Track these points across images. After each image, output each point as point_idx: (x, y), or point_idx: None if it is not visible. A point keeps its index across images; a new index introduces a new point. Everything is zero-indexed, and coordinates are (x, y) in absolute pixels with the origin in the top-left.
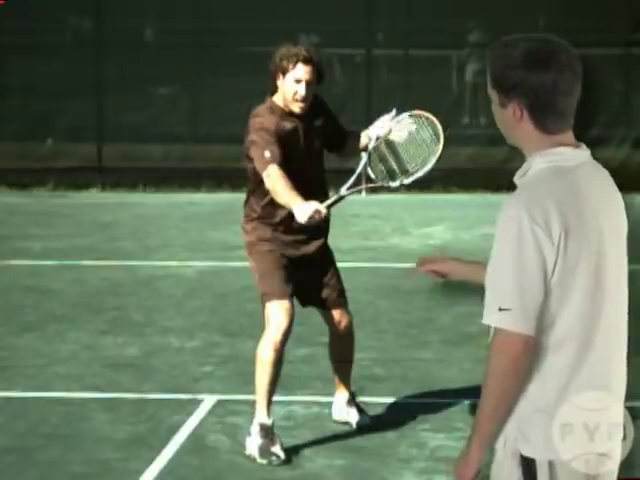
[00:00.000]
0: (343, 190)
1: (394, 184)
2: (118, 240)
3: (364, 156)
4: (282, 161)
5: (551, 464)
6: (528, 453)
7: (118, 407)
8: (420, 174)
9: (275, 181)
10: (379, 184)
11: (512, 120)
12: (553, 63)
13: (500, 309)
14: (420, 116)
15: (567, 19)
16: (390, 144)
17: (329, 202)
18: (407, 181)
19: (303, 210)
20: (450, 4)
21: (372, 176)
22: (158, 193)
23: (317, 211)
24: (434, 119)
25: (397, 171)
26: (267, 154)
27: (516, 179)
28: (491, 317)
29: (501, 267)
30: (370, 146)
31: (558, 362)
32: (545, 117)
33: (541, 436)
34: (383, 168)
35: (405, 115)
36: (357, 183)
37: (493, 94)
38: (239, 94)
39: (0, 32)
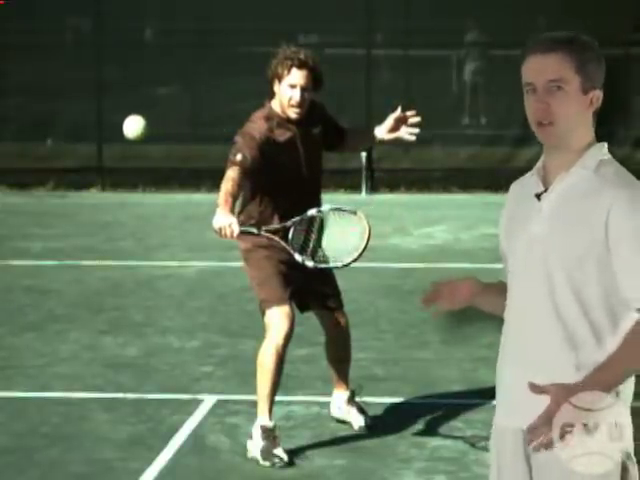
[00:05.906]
0: (263, 229)
1: (297, 257)
2: (118, 240)
3: (362, 156)
4: (254, 169)
5: None
6: None
7: (118, 407)
8: (321, 266)
9: (226, 182)
10: (288, 249)
11: (585, 107)
12: None
13: None
14: (362, 224)
15: (566, 19)
16: (322, 223)
17: (247, 228)
18: (308, 264)
19: (221, 218)
20: (449, 4)
21: (289, 237)
22: (158, 193)
23: (230, 226)
24: (368, 231)
25: (308, 249)
26: (238, 156)
27: (585, 168)
28: None
29: None
30: (309, 213)
31: None
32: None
33: None
34: (301, 238)
35: (350, 211)
36: (277, 231)
37: (575, 79)
38: (239, 94)
39: (0, 32)
